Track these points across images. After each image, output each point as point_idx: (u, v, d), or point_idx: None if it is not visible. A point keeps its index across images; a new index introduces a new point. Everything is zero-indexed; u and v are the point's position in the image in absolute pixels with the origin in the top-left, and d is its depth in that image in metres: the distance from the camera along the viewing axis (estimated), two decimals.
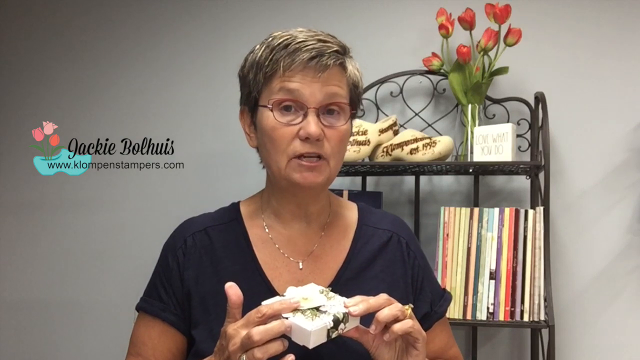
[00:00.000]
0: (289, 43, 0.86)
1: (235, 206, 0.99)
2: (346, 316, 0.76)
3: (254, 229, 0.95)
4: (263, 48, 0.88)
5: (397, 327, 0.76)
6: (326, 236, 0.96)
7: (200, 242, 0.94)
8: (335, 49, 0.87)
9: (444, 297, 1.02)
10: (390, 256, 0.96)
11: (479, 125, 1.55)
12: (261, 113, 0.88)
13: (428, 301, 0.98)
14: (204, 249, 0.93)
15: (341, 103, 0.88)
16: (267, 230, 0.95)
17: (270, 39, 0.89)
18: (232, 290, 0.77)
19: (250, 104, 0.91)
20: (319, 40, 0.86)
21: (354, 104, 0.92)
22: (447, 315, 1.44)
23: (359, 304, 0.76)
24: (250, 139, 0.94)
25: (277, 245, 0.94)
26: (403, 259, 0.97)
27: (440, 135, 1.62)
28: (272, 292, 0.90)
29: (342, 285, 0.91)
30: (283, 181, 0.88)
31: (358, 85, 0.93)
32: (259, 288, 0.90)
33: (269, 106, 0.86)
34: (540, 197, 1.53)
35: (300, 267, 0.93)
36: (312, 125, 0.84)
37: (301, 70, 0.85)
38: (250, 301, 0.89)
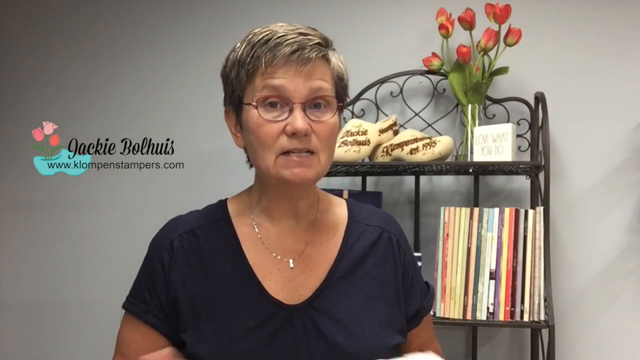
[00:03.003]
0: (269, 38, 0.84)
1: (222, 204, 0.97)
2: None
3: (243, 227, 0.93)
4: (244, 45, 0.87)
5: None
6: (316, 234, 0.95)
7: (187, 244, 0.91)
8: (316, 41, 0.85)
9: (430, 291, 1.02)
10: (381, 253, 0.96)
11: (479, 125, 1.55)
12: (246, 111, 0.87)
13: (418, 297, 0.98)
14: (192, 251, 0.91)
15: (327, 96, 0.86)
16: (256, 229, 0.93)
17: (251, 35, 0.87)
18: None
19: (235, 103, 0.89)
20: (300, 34, 0.85)
21: (340, 97, 0.90)
22: (447, 315, 1.46)
23: None
24: (237, 139, 0.92)
25: (266, 245, 0.92)
26: (394, 256, 0.96)
27: (440, 135, 1.62)
28: (263, 292, 0.89)
29: (333, 283, 0.90)
30: (273, 179, 0.87)
31: (343, 77, 0.91)
32: (250, 289, 0.89)
33: (253, 104, 0.85)
34: (540, 197, 1.53)
35: (291, 266, 0.92)
36: (298, 120, 0.82)
37: (283, 64, 0.83)
38: (242, 302, 0.88)
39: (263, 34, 0.85)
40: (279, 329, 0.87)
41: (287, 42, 0.83)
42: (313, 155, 0.85)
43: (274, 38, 0.84)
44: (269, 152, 0.85)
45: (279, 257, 0.92)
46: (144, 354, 0.91)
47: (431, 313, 1.05)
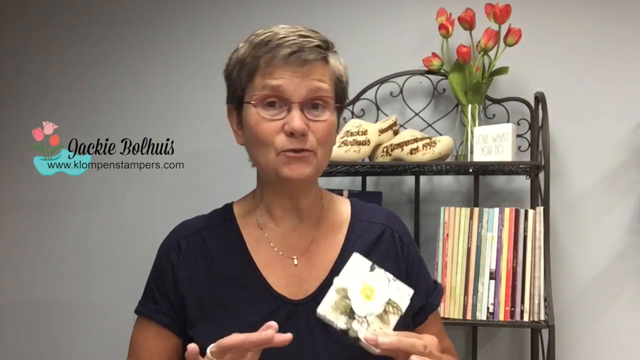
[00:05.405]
0: (270, 39, 0.87)
1: (228, 207, 1.01)
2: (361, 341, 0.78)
3: (248, 228, 0.96)
4: (246, 46, 0.90)
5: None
6: (320, 232, 0.96)
7: (194, 245, 0.95)
8: (316, 43, 0.87)
9: (437, 288, 1.03)
10: (384, 250, 0.97)
11: (479, 125, 1.55)
12: (246, 110, 0.89)
13: (423, 294, 0.99)
14: (199, 251, 0.94)
15: (325, 97, 0.88)
16: (260, 229, 0.96)
17: (253, 36, 0.90)
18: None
19: (235, 101, 0.92)
20: (300, 36, 0.87)
21: (339, 97, 0.93)
22: (447, 314, 1.46)
23: (386, 340, 0.77)
24: (237, 136, 0.95)
25: (271, 244, 0.95)
26: (397, 253, 0.98)
27: (440, 135, 1.62)
28: (267, 288, 0.91)
29: None
30: (272, 175, 0.89)
31: (342, 78, 0.93)
32: (255, 285, 0.91)
33: (252, 102, 0.87)
34: (540, 197, 1.53)
35: (295, 263, 0.94)
36: (296, 120, 0.85)
37: (282, 65, 0.86)
38: (247, 297, 0.91)
39: (264, 35, 0.88)
40: (282, 323, 0.87)
41: (287, 43, 0.85)
42: (310, 152, 0.87)
43: (275, 39, 0.86)
44: (267, 149, 0.87)
45: (285, 255, 0.94)
46: (157, 353, 0.94)
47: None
